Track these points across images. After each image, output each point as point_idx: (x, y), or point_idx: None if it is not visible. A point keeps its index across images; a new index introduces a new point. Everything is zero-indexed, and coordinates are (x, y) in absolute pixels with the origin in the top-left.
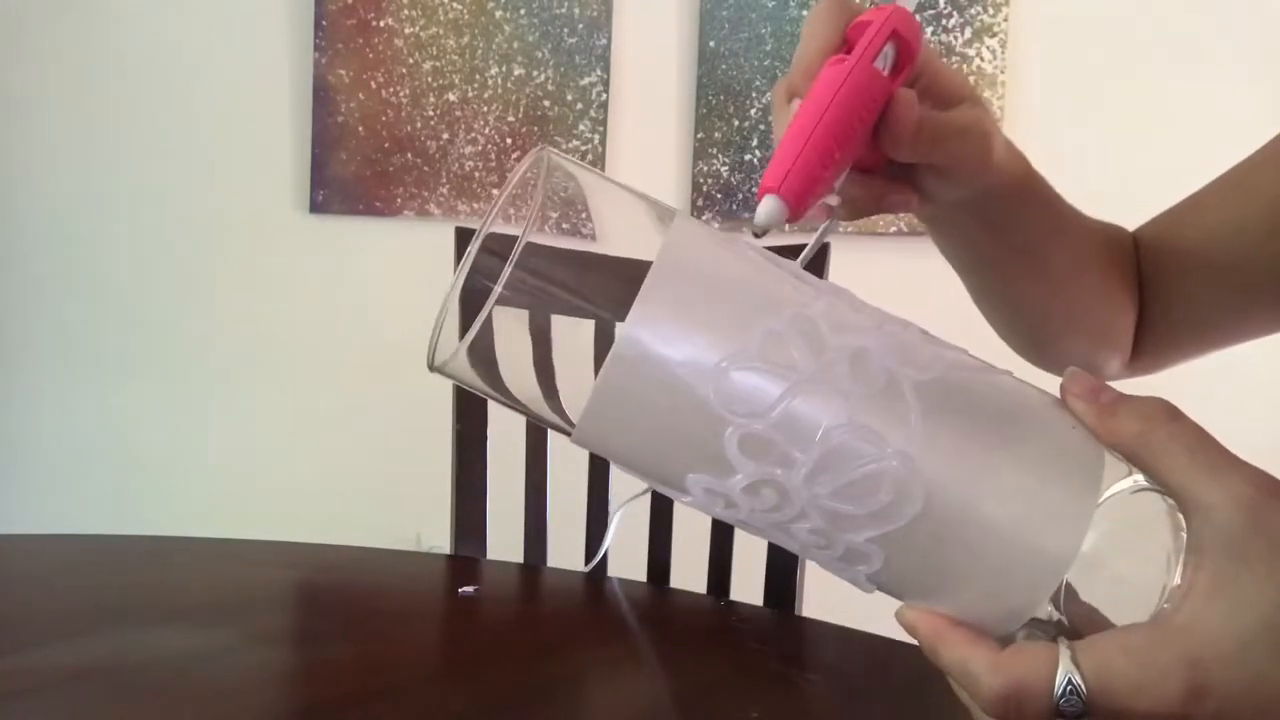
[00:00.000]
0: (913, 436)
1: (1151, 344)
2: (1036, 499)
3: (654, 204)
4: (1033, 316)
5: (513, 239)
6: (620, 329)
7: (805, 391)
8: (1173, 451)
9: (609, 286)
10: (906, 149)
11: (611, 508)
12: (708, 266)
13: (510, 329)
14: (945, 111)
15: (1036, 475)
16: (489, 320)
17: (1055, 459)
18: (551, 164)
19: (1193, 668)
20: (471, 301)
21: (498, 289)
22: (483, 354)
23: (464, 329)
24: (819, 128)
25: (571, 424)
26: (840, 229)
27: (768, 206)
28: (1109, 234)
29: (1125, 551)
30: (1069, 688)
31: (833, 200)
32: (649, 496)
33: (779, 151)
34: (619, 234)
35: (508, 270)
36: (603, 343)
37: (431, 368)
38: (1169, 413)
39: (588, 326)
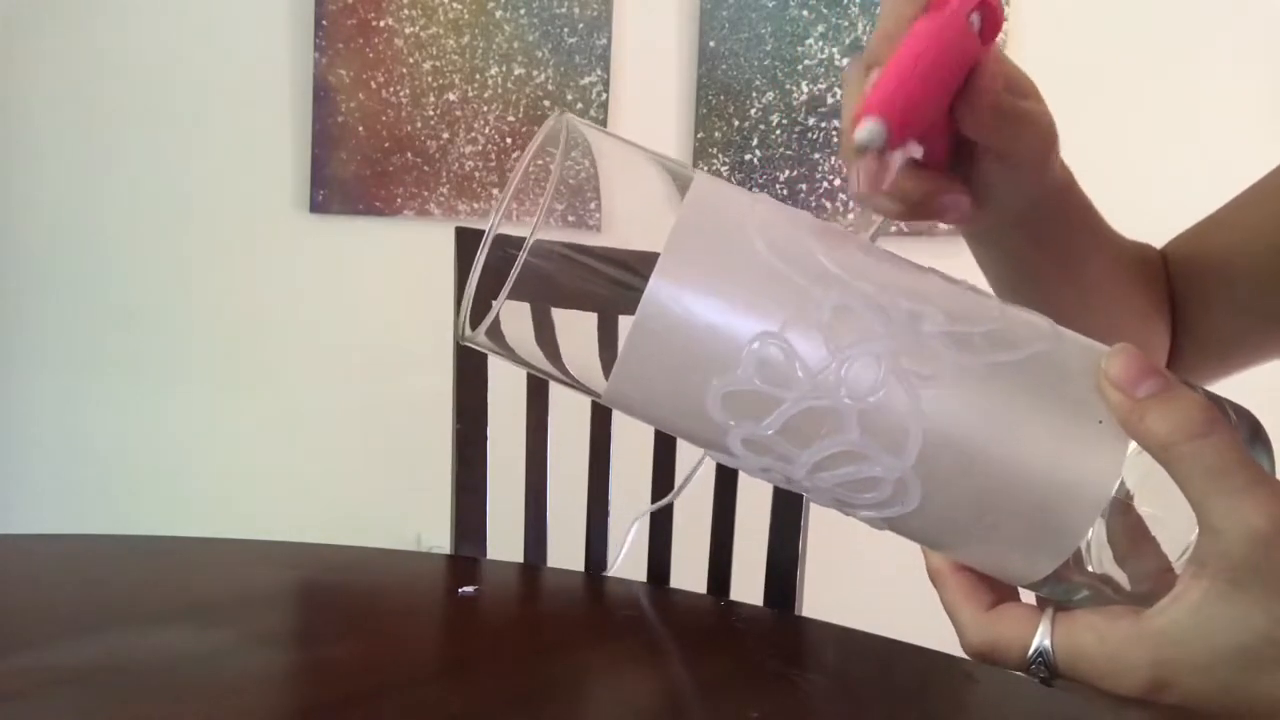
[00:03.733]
0: (910, 449)
1: (1183, 363)
2: (1057, 470)
3: (674, 165)
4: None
5: (529, 227)
6: (643, 297)
7: (802, 407)
8: (1193, 470)
9: (628, 269)
10: (985, 122)
11: (612, 514)
12: (726, 234)
13: (525, 310)
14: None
15: (1055, 446)
16: (508, 300)
17: (1078, 420)
18: (571, 129)
19: (1160, 667)
20: (501, 265)
21: (517, 266)
22: (501, 334)
23: (496, 293)
24: (920, 61)
25: (595, 390)
26: (891, 229)
27: (870, 126)
28: (1141, 251)
29: (1152, 503)
30: (1039, 659)
31: (916, 153)
32: (650, 501)
33: (881, 80)
34: (635, 210)
35: (529, 242)
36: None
37: (461, 340)
38: (1201, 425)
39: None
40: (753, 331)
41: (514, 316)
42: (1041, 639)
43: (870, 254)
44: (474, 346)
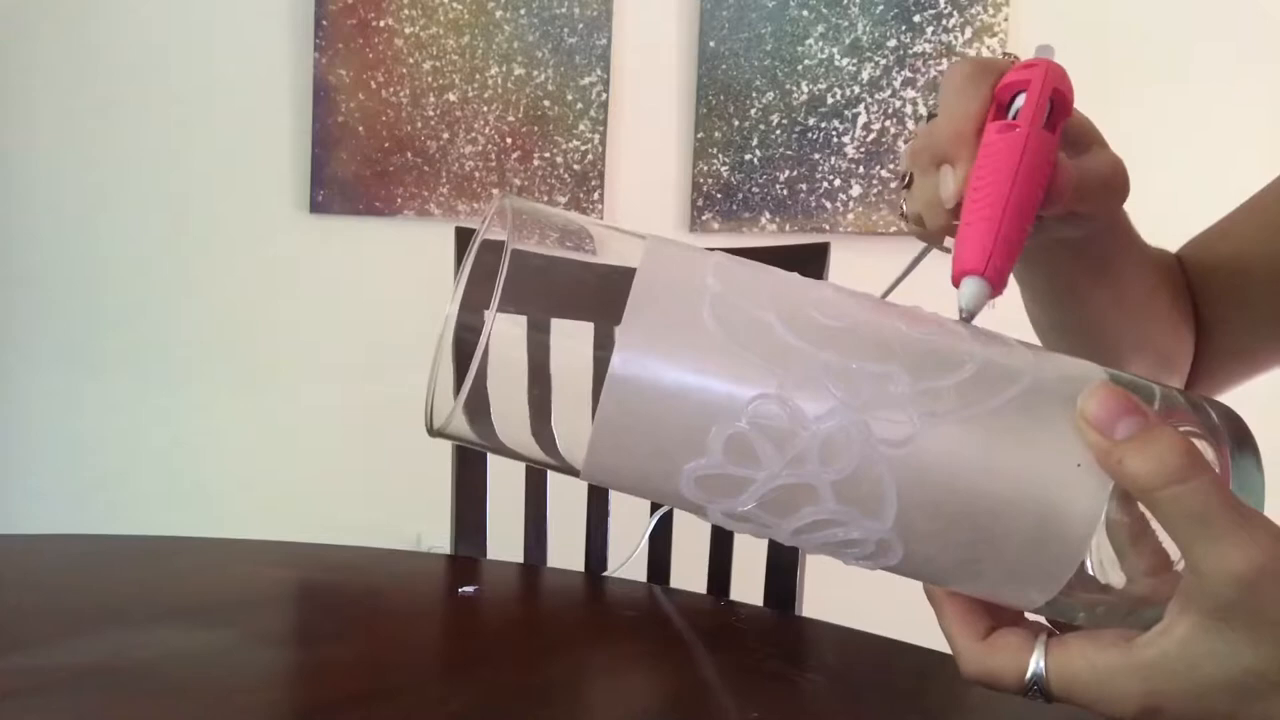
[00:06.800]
0: (887, 514)
1: (1205, 368)
2: (1040, 516)
3: (626, 234)
4: (1104, 342)
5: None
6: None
7: (775, 484)
8: (1175, 515)
9: (599, 307)
10: (1064, 206)
11: (612, 514)
12: (678, 318)
13: (503, 387)
14: (1083, 158)
15: (1034, 493)
16: (481, 384)
17: (1057, 465)
18: (516, 209)
19: (1151, 696)
20: (463, 348)
21: (476, 361)
22: (480, 414)
23: (461, 376)
24: (1010, 203)
25: (573, 469)
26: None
27: (973, 289)
28: (1162, 257)
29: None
30: (1035, 686)
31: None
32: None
33: (972, 230)
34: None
35: (484, 340)
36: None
37: (431, 432)
38: (1180, 470)
39: (584, 382)
40: (716, 416)
41: (486, 401)
42: (1036, 667)
43: (829, 311)
44: (445, 437)
